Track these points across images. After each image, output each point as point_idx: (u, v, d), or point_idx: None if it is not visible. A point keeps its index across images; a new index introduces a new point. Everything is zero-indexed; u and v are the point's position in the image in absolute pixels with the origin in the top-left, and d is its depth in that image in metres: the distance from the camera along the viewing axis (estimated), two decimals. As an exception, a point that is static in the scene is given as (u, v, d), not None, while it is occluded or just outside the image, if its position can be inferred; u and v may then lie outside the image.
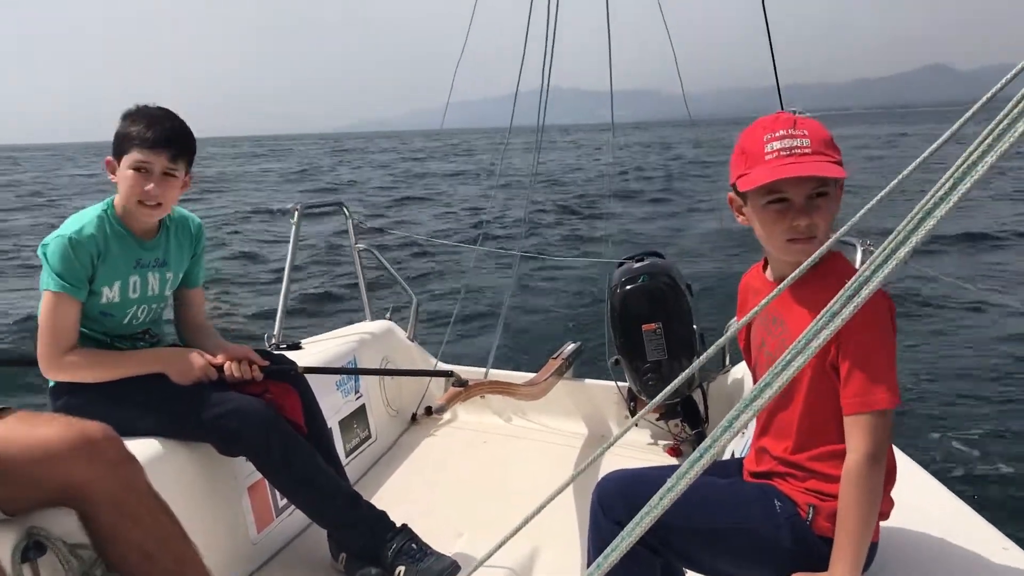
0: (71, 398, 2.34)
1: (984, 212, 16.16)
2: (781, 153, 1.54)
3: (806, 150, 1.53)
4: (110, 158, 2.37)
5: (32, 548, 1.73)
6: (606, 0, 3.88)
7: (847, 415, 1.47)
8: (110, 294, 2.37)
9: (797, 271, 1.09)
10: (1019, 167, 24.31)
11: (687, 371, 1.21)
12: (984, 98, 0.95)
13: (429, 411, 4.15)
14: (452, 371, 3.65)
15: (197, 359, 2.42)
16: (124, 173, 2.33)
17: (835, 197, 1.57)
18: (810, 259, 1.08)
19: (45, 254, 2.28)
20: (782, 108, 2.67)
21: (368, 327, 4.07)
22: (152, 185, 2.31)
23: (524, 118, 4.24)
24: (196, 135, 2.48)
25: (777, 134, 1.56)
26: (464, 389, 3.30)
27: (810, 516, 1.55)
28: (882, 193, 1.00)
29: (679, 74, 4.26)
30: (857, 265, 2.75)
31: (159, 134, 2.31)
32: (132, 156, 2.31)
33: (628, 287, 3.35)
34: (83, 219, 2.34)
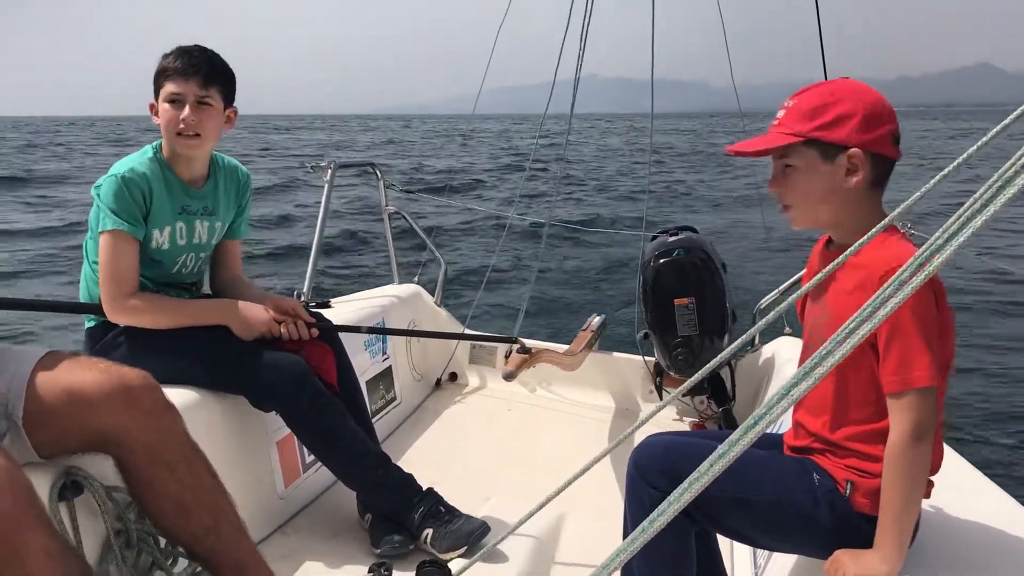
0: (107, 342, 2.36)
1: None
2: (769, 123, 1.61)
3: (775, 122, 1.58)
4: (152, 101, 2.37)
5: (69, 488, 1.74)
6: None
7: (887, 393, 1.45)
8: (160, 239, 2.38)
9: (851, 249, 1.09)
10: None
11: (725, 352, 1.20)
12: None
13: (454, 377, 4.18)
14: (515, 338, 3.66)
15: (262, 314, 2.42)
16: (162, 107, 2.33)
17: (806, 169, 1.55)
18: (865, 238, 1.09)
19: (99, 194, 2.28)
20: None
21: (396, 290, 4.08)
22: (187, 111, 2.30)
23: (563, 105, 4.21)
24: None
25: (782, 104, 1.61)
26: (529, 356, 3.33)
27: (848, 492, 1.53)
28: (935, 180, 0.97)
29: (730, 63, 4.20)
30: None
31: (188, 61, 2.30)
32: (166, 89, 2.31)
33: (662, 260, 3.32)
34: (133, 160, 2.34)
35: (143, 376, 1.83)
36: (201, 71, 2.31)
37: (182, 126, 2.30)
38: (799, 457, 1.66)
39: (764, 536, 1.66)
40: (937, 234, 0.89)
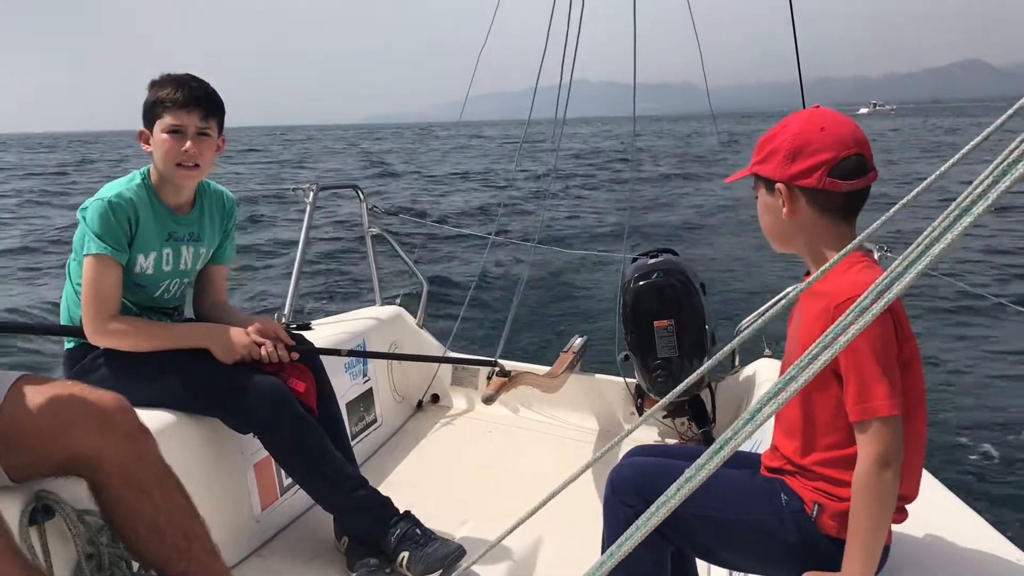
0: (87, 364, 2.36)
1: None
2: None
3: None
4: (142, 128, 2.38)
5: (40, 512, 1.73)
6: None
7: (852, 421, 1.47)
8: (144, 264, 2.38)
9: (812, 279, 1.13)
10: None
11: (699, 370, 1.21)
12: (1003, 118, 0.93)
13: (436, 399, 4.17)
14: (496, 361, 3.66)
15: (242, 337, 2.42)
16: (158, 138, 2.33)
17: (763, 203, 1.64)
18: (836, 258, 1.12)
19: (84, 217, 2.29)
20: (803, 103, 2.69)
21: (378, 311, 4.07)
22: (189, 143, 2.32)
23: (548, 111, 4.19)
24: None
25: None
26: (509, 379, 3.33)
27: (815, 513, 1.55)
28: (902, 202, 0.99)
29: (703, 66, 4.22)
30: None
31: (189, 94, 2.32)
32: (164, 120, 2.32)
33: (642, 283, 3.34)
34: (121, 185, 2.35)
35: (117, 399, 1.83)
36: (202, 104, 2.33)
37: (183, 157, 2.32)
38: (770, 477, 1.67)
39: (733, 555, 1.68)
40: (896, 262, 0.90)
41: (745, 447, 2.26)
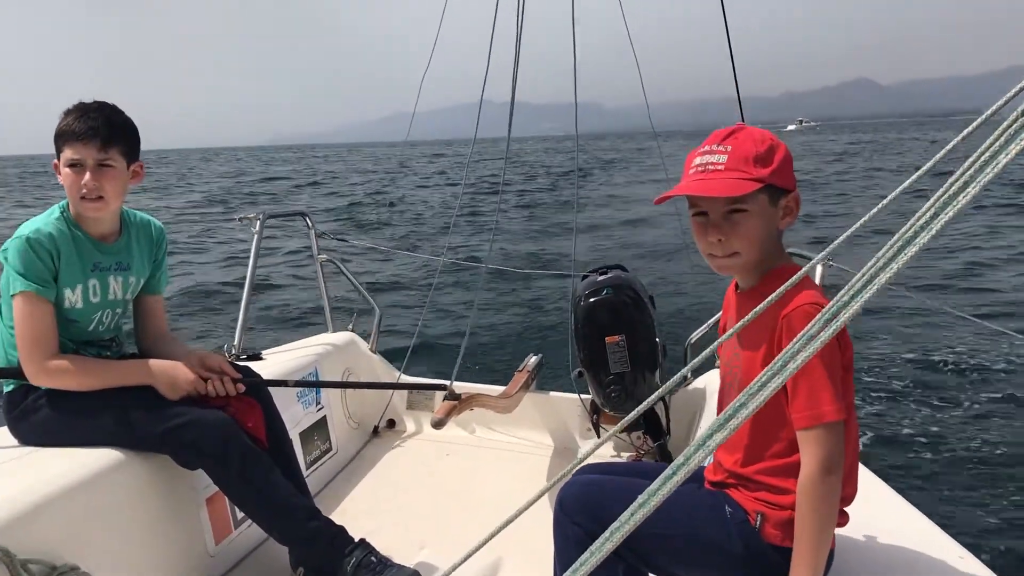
0: (28, 405, 2.31)
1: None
2: (697, 169, 1.61)
3: (719, 167, 1.57)
4: (56, 160, 2.33)
5: None
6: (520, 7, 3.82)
7: (798, 429, 1.49)
8: (72, 297, 2.34)
9: (771, 297, 1.11)
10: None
11: (657, 393, 1.22)
12: (967, 129, 0.96)
13: (392, 424, 4.14)
14: (445, 384, 3.65)
15: (186, 373, 2.38)
16: (63, 172, 2.30)
17: (758, 213, 1.58)
18: (786, 284, 1.08)
19: (6, 258, 2.25)
20: (742, 119, 2.72)
21: (330, 338, 4.04)
22: (88, 177, 2.26)
23: (482, 130, 4.20)
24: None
25: (703, 149, 1.62)
26: (459, 402, 3.31)
27: (759, 524, 1.57)
28: (860, 223, 1.01)
29: (643, 87, 4.29)
30: (817, 280, 2.80)
31: (85, 125, 2.26)
32: (65, 154, 2.29)
33: (592, 299, 3.36)
34: (39, 220, 2.31)
35: None
36: (100, 134, 2.26)
37: (84, 191, 2.27)
38: (714, 491, 1.70)
39: (685, 570, 1.69)
40: (843, 290, 0.92)
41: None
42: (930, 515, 1.92)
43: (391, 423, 4.14)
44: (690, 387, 3.74)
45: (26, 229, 2.27)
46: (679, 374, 1.16)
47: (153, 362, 2.42)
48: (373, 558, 2.36)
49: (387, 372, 4.21)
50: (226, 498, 2.61)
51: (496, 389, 3.82)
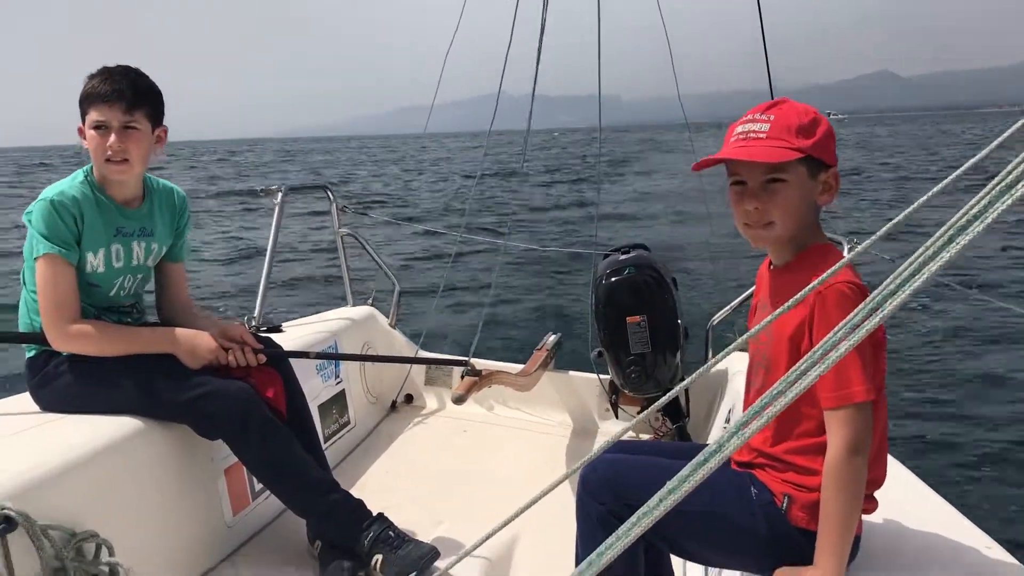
0: (49, 372, 2.31)
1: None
2: (738, 136, 1.59)
3: (760, 135, 1.56)
4: (80, 125, 2.33)
5: (2, 521, 1.68)
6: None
7: (826, 409, 1.47)
8: (94, 262, 2.33)
9: (813, 284, 1.09)
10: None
11: (685, 381, 1.20)
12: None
13: (409, 399, 4.14)
14: (465, 360, 3.64)
15: (208, 342, 2.38)
16: (88, 134, 2.29)
17: (796, 185, 1.55)
18: (831, 270, 1.06)
19: (30, 220, 2.25)
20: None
21: (349, 312, 4.04)
22: (113, 139, 2.26)
23: (511, 122, 4.18)
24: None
25: (745, 119, 1.61)
26: (479, 379, 3.30)
27: (784, 505, 1.55)
28: (906, 211, 0.96)
29: (675, 78, 4.22)
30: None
31: (110, 87, 2.26)
32: (90, 116, 2.28)
33: (614, 279, 3.34)
34: (64, 184, 2.31)
35: None
36: (125, 96, 2.26)
37: (109, 153, 2.27)
38: (740, 471, 1.67)
39: (707, 551, 1.68)
40: (889, 279, 0.89)
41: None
42: (956, 504, 1.89)
43: (409, 398, 4.15)
44: (711, 369, 3.71)
45: (50, 192, 2.27)
46: (711, 361, 1.13)
47: (175, 330, 2.42)
48: (391, 532, 2.36)
49: (406, 347, 4.21)
50: (244, 469, 2.62)
51: (515, 367, 3.81)
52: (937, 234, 0.85)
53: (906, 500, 1.83)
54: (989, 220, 0.81)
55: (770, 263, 1.74)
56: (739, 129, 1.60)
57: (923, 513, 1.79)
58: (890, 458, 1.75)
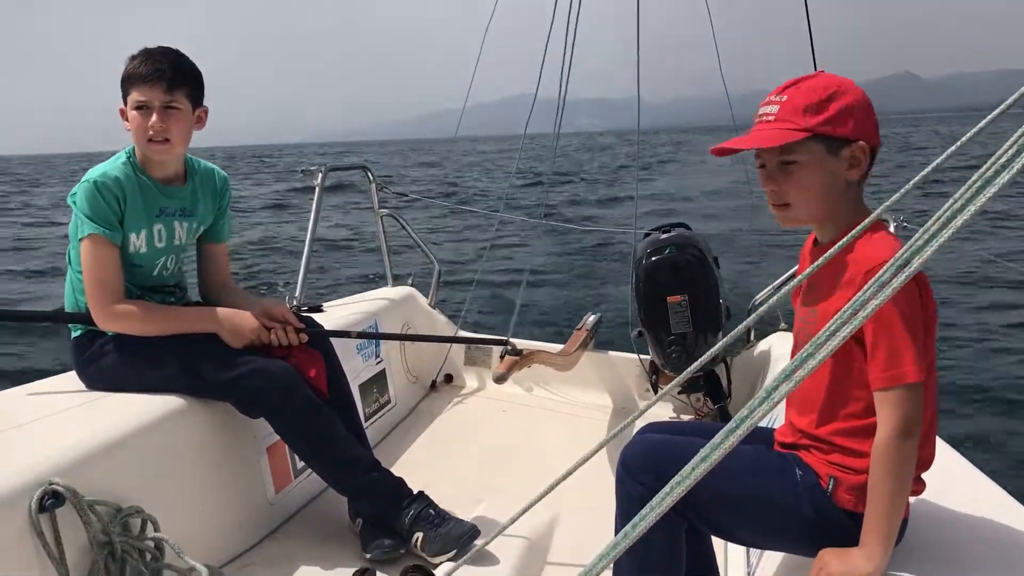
0: (95, 351, 2.35)
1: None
2: (755, 119, 1.59)
3: (769, 117, 1.55)
4: (122, 106, 2.35)
5: (50, 498, 1.72)
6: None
7: (875, 390, 1.44)
8: (137, 242, 2.37)
9: (841, 243, 1.07)
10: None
11: (713, 348, 1.18)
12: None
13: (449, 379, 4.15)
14: (507, 340, 3.64)
15: (250, 321, 2.40)
16: (130, 115, 2.32)
17: (812, 164, 1.52)
18: (852, 233, 1.06)
19: (75, 202, 2.29)
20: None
21: (389, 292, 4.06)
22: (155, 118, 2.28)
23: (537, 125, 4.13)
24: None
25: (767, 99, 1.59)
26: (520, 358, 3.29)
27: (831, 488, 1.52)
28: (923, 173, 0.95)
29: (723, 78, 4.14)
30: None
31: (151, 67, 2.27)
32: (132, 96, 2.30)
33: (654, 258, 3.30)
34: (106, 165, 2.34)
35: None
36: (166, 76, 2.28)
37: (151, 133, 2.29)
38: (784, 452, 1.64)
39: (749, 532, 1.66)
40: (918, 234, 0.87)
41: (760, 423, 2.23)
42: (1003, 484, 1.84)
43: (448, 378, 4.16)
44: (752, 349, 3.66)
45: (93, 173, 2.30)
46: (738, 328, 1.11)
47: (218, 309, 2.44)
48: (432, 511, 2.36)
49: (445, 326, 4.21)
50: (287, 447, 2.64)
51: (555, 347, 3.80)
52: (965, 186, 0.83)
53: (955, 482, 1.79)
54: (1017, 168, 0.79)
55: (815, 240, 1.70)
56: (759, 111, 1.59)
57: (972, 495, 1.75)
58: (938, 439, 1.71)
